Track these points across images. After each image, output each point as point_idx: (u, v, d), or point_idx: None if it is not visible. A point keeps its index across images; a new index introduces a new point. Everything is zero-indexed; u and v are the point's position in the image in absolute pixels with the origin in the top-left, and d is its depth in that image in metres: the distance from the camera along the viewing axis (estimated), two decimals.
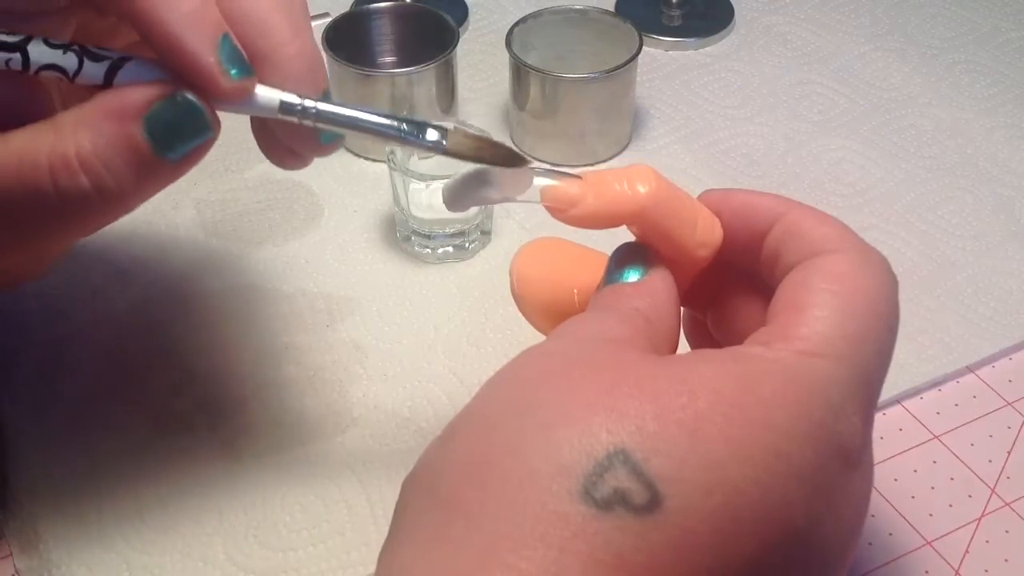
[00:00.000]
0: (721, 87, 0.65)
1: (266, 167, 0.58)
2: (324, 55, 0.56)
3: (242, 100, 0.32)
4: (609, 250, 0.35)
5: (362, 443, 0.44)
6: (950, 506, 0.43)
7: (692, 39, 0.68)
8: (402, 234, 0.53)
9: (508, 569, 0.25)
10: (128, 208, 0.32)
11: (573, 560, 0.25)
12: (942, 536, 0.41)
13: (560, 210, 0.33)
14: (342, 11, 0.61)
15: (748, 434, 0.27)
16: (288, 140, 0.35)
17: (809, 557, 0.28)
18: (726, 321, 0.37)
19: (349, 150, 0.60)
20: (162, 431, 0.44)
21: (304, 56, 0.33)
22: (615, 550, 0.25)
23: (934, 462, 0.44)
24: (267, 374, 0.47)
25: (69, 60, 0.30)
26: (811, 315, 0.30)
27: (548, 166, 0.59)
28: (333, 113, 0.33)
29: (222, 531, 0.41)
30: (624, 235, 0.35)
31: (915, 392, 0.47)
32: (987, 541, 0.41)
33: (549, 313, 0.37)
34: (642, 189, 0.32)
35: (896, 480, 0.44)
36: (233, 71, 0.31)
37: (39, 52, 0.30)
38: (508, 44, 0.58)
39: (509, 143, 0.61)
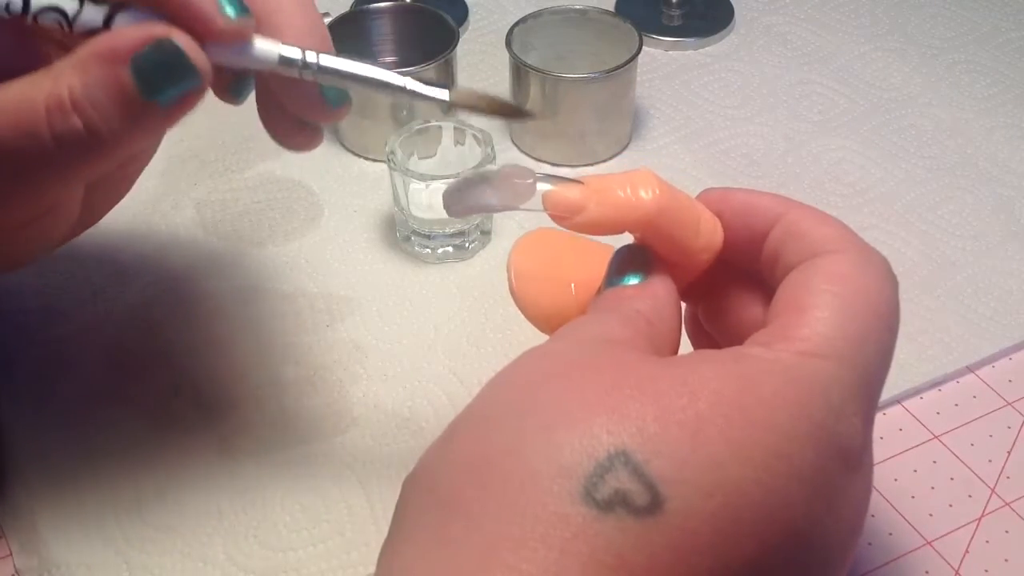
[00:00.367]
0: (721, 87, 0.65)
1: (266, 167, 0.58)
2: None
3: (239, 41, 0.31)
4: (607, 240, 0.35)
5: (362, 443, 0.44)
6: (950, 506, 0.43)
7: (692, 39, 0.68)
8: (402, 234, 0.53)
9: (508, 570, 0.25)
10: (124, 152, 0.32)
11: (574, 561, 0.25)
12: (942, 536, 0.41)
13: (563, 218, 0.33)
14: (342, 11, 0.61)
15: (749, 435, 0.27)
16: (295, 107, 0.35)
17: (809, 558, 0.28)
18: (721, 316, 0.37)
19: (349, 150, 0.60)
20: (162, 431, 0.44)
21: (306, 14, 0.33)
22: (616, 551, 0.25)
23: (934, 462, 0.44)
24: (267, 374, 0.47)
25: (70, 2, 0.31)
26: (812, 316, 0.30)
27: (549, 171, 0.59)
28: (335, 67, 0.32)
29: (222, 531, 0.41)
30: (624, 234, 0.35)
31: (915, 392, 0.47)
32: (987, 541, 0.41)
33: (546, 308, 0.37)
34: (646, 196, 0.32)
35: (896, 480, 0.44)
36: (229, 10, 0.31)
37: None
38: (508, 44, 0.58)
39: (509, 143, 0.61)
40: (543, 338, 0.33)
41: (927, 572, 0.40)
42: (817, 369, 0.29)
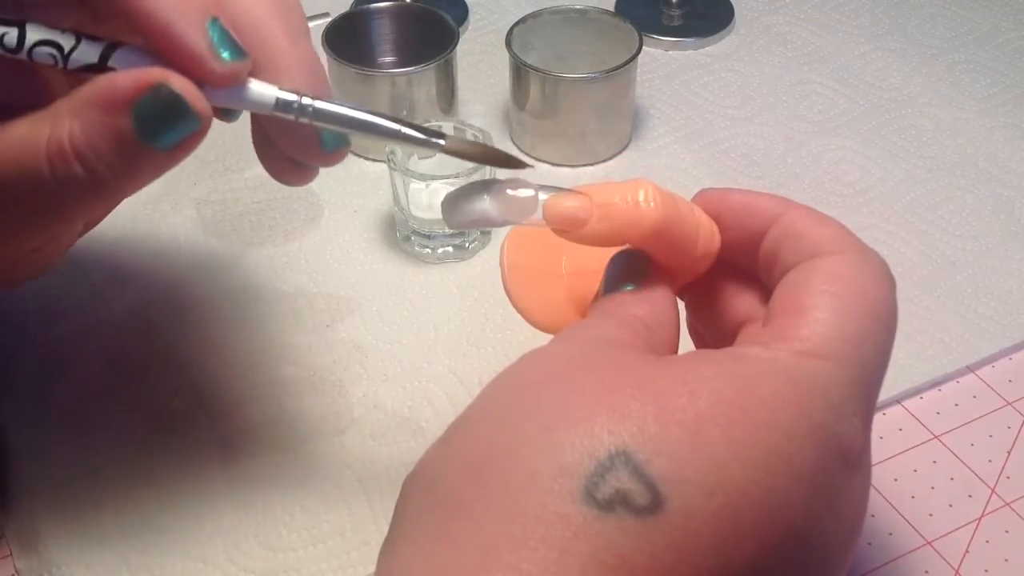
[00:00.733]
0: (721, 87, 0.65)
1: None
2: (324, 55, 0.56)
3: (235, 84, 0.31)
4: None
5: (362, 443, 0.44)
6: (950, 506, 0.43)
7: (692, 39, 0.68)
8: (402, 234, 0.53)
9: (509, 569, 0.25)
10: (126, 193, 0.32)
11: (574, 561, 0.25)
12: (942, 536, 0.41)
13: (565, 231, 0.33)
14: (342, 11, 0.61)
15: (749, 435, 0.27)
16: (290, 149, 0.35)
17: (809, 557, 0.28)
18: (710, 311, 0.36)
19: (350, 150, 0.60)
20: (162, 431, 0.44)
21: (304, 62, 0.33)
22: (616, 551, 0.25)
23: (934, 462, 0.44)
24: (267, 374, 0.47)
25: (67, 37, 0.30)
26: (811, 316, 0.30)
27: (549, 171, 0.59)
28: (331, 111, 0.32)
29: (222, 531, 0.41)
30: None
31: (915, 392, 0.47)
32: (987, 541, 0.41)
33: (538, 301, 0.37)
34: (647, 210, 0.32)
35: (896, 480, 0.44)
36: (225, 54, 0.31)
37: (37, 29, 0.30)
38: (508, 44, 0.58)
39: (509, 143, 0.61)
40: (543, 338, 0.33)
41: (927, 572, 0.40)
42: (817, 369, 0.29)
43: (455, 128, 0.53)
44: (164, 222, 0.55)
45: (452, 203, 0.33)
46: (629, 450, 0.26)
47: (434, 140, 0.33)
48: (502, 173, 0.53)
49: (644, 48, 0.60)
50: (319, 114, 0.32)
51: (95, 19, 0.32)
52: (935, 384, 0.47)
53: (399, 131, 0.33)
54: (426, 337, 0.49)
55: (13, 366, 0.47)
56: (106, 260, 0.52)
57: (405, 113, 0.57)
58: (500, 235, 0.54)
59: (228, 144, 0.59)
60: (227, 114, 0.36)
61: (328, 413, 0.45)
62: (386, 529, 0.29)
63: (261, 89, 0.32)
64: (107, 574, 0.40)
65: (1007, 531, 0.42)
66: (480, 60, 0.67)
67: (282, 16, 0.33)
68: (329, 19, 0.59)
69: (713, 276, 0.35)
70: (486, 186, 0.33)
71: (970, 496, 0.43)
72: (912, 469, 0.44)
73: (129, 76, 0.30)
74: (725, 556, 0.26)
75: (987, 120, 0.62)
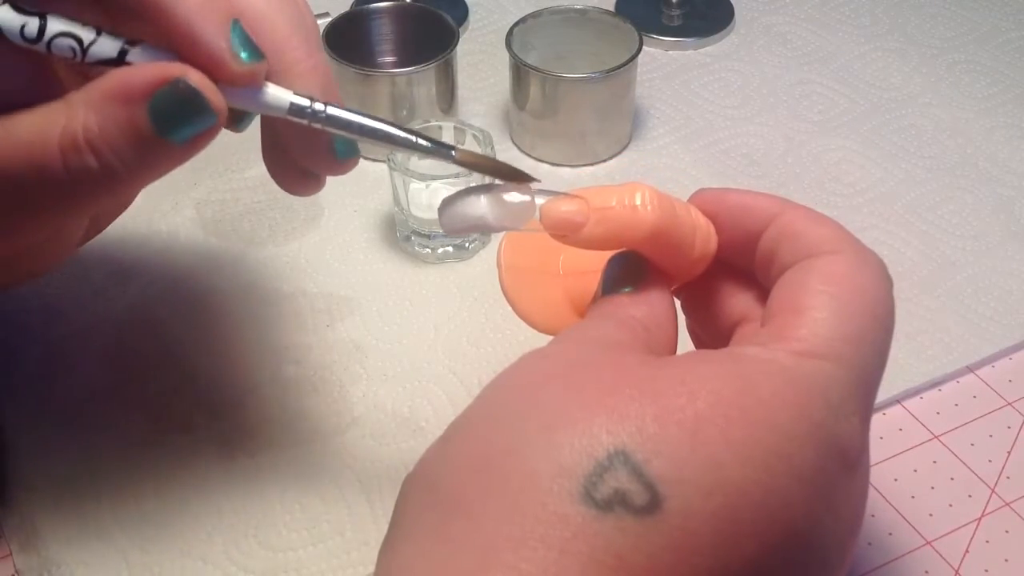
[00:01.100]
0: (721, 87, 0.65)
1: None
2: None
3: (252, 85, 0.31)
4: None
5: (362, 443, 0.44)
6: (950, 506, 0.43)
7: (692, 39, 0.68)
8: (402, 234, 0.53)
9: (508, 569, 0.25)
10: (138, 187, 0.32)
11: (573, 561, 0.25)
12: (942, 536, 0.41)
13: (562, 236, 0.33)
14: (342, 11, 0.61)
15: (749, 435, 0.27)
16: (302, 156, 0.35)
17: (809, 558, 0.28)
18: (704, 309, 0.37)
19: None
20: (162, 431, 0.44)
21: (319, 72, 0.33)
22: (615, 551, 0.25)
23: (934, 462, 0.44)
24: (267, 374, 0.47)
25: (87, 31, 0.30)
26: (809, 317, 0.30)
27: (549, 172, 0.59)
28: (343, 118, 0.32)
29: (222, 530, 0.41)
30: None
31: (915, 392, 0.47)
32: (987, 541, 0.41)
33: (535, 301, 0.37)
34: (644, 214, 0.32)
35: (896, 480, 0.44)
36: (243, 55, 0.31)
37: (57, 21, 0.30)
38: (508, 44, 0.58)
39: (509, 143, 0.61)
40: (543, 339, 0.33)
41: (927, 572, 0.40)
42: (815, 369, 0.29)
43: (455, 128, 0.53)
44: (164, 222, 0.55)
45: (448, 209, 0.33)
46: (628, 450, 0.26)
47: (445, 151, 0.34)
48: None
49: (644, 48, 0.60)
50: (331, 120, 0.32)
51: (112, 20, 0.32)
52: (935, 384, 0.47)
53: (411, 140, 0.33)
54: (426, 337, 0.49)
55: (13, 365, 0.47)
56: (107, 260, 0.52)
57: (405, 113, 0.57)
58: (499, 236, 0.54)
59: (228, 144, 0.59)
60: (236, 124, 0.37)
61: (328, 413, 0.45)
62: (386, 529, 0.29)
63: (276, 92, 0.32)
64: (107, 573, 0.40)
65: (1007, 531, 0.42)
66: (480, 60, 0.67)
67: (300, 28, 0.33)
68: (329, 19, 0.59)
69: (709, 275, 0.35)
70: (482, 191, 0.33)
71: (970, 496, 0.43)
72: (912, 469, 0.44)
73: (147, 69, 0.30)
74: (724, 556, 0.26)
75: (987, 120, 0.62)
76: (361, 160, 0.59)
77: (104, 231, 0.41)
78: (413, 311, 0.50)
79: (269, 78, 0.32)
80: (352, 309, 0.50)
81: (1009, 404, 0.47)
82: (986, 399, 0.47)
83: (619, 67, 0.56)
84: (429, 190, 0.50)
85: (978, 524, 0.42)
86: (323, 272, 0.52)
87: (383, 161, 0.57)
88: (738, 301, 0.35)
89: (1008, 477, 0.44)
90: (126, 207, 0.41)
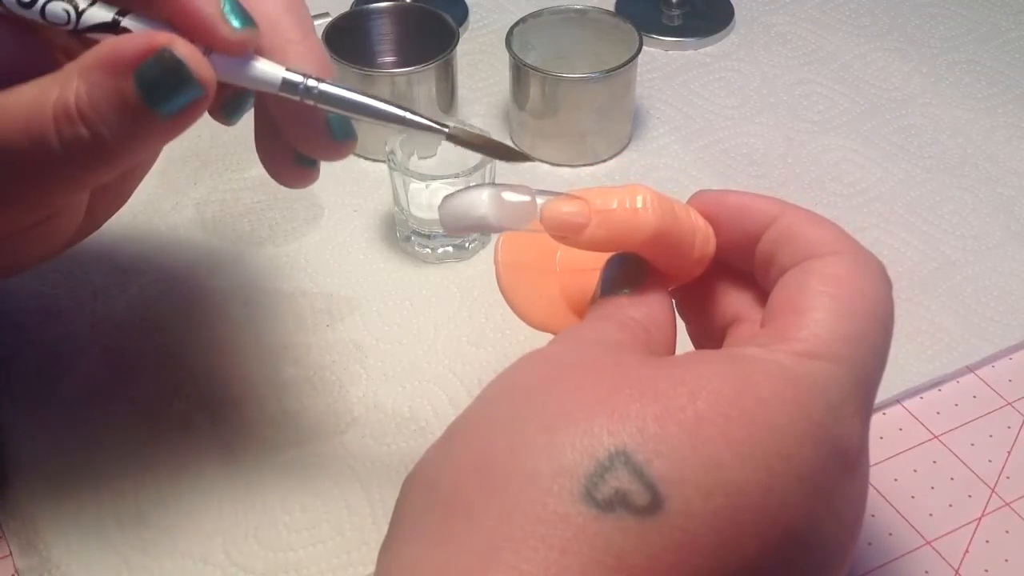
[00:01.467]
0: (721, 87, 0.65)
1: None
2: None
3: (243, 53, 0.31)
4: None
5: (362, 443, 0.44)
6: (950, 506, 0.43)
7: (692, 39, 0.68)
8: (402, 234, 0.53)
9: (509, 569, 0.25)
10: (130, 159, 0.32)
11: (574, 561, 0.25)
12: (942, 536, 0.41)
13: (563, 237, 0.33)
14: (342, 11, 0.61)
15: (749, 434, 0.27)
16: (297, 138, 0.35)
17: (809, 558, 0.28)
18: (699, 308, 0.36)
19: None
20: (162, 431, 0.44)
21: (314, 52, 0.33)
22: (616, 551, 0.25)
23: (934, 462, 0.44)
24: (267, 374, 0.47)
25: None
26: (809, 318, 0.30)
27: (549, 172, 0.59)
28: (336, 94, 0.32)
29: (222, 531, 0.41)
30: None
31: (915, 392, 0.47)
32: (987, 541, 0.41)
33: (532, 298, 0.37)
34: (645, 218, 0.32)
35: (896, 480, 0.44)
36: (235, 22, 0.31)
37: None
38: (508, 44, 0.58)
39: (509, 143, 0.61)
40: (543, 339, 0.33)
41: (927, 572, 0.40)
42: (816, 370, 0.29)
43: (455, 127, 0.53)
44: (164, 222, 0.55)
45: (449, 209, 0.33)
46: (629, 450, 0.26)
47: (437, 126, 0.33)
48: (503, 168, 0.53)
49: (644, 48, 0.60)
50: (324, 96, 0.32)
51: None
52: (935, 384, 0.47)
53: (404, 116, 0.33)
54: (426, 337, 0.49)
55: (12, 365, 0.47)
56: (106, 259, 0.52)
57: None
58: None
59: (228, 144, 0.59)
60: (228, 116, 0.36)
61: (328, 413, 0.45)
62: (386, 529, 0.29)
63: (268, 68, 0.32)
64: (107, 573, 0.40)
65: (1007, 531, 0.42)
66: (480, 60, 0.67)
67: (293, 11, 0.33)
68: (329, 19, 0.59)
69: (703, 275, 0.35)
70: (483, 191, 0.33)
71: (970, 496, 0.43)
72: (912, 469, 0.44)
73: (134, 39, 0.30)
74: (724, 557, 0.26)
75: (987, 120, 0.62)
76: (361, 160, 0.59)
77: (104, 230, 0.40)
78: (413, 311, 0.50)
79: (262, 56, 0.32)
80: (352, 309, 0.50)
81: (1009, 404, 0.47)
82: (986, 399, 0.47)
83: (619, 67, 0.56)
84: (429, 190, 0.50)
85: (978, 524, 0.42)
86: (323, 272, 0.52)
87: (383, 161, 0.57)
88: (732, 301, 0.35)
89: (1008, 477, 0.44)
90: (123, 203, 0.40)
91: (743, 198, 0.34)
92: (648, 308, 0.33)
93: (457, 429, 0.29)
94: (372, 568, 0.39)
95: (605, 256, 0.35)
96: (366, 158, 0.59)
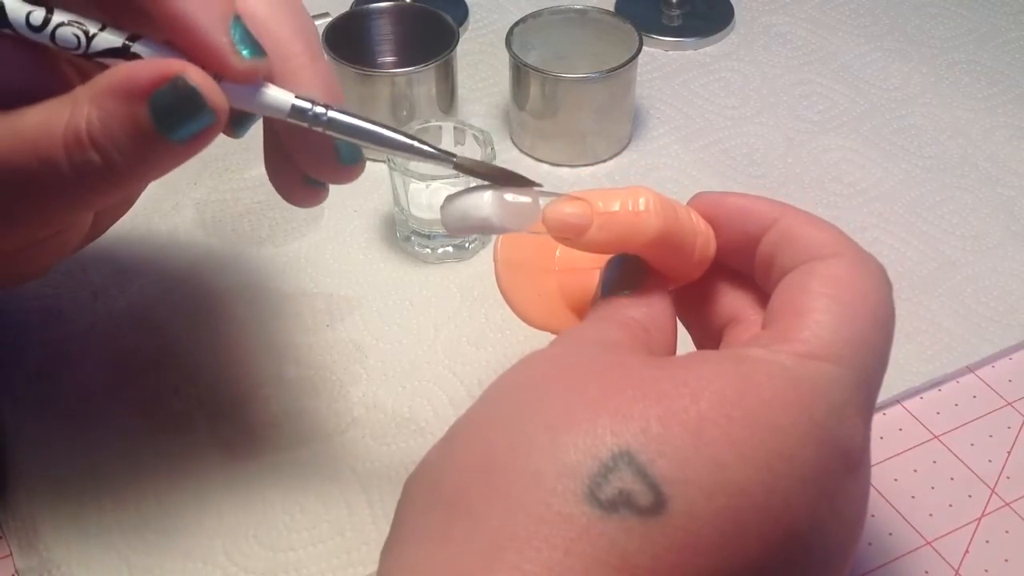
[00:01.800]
0: (721, 87, 0.65)
1: None
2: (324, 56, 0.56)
3: (253, 82, 0.32)
4: None
5: (362, 443, 0.44)
6: (950, 506, 0.43)
7: (692, 39, 0.68)
8: (402, 234, 0.53)
9: (512, 570, 0.25)
10: (141, 183, 0.32)
11: (577, 561, 0.25)
12: (942, 536, 0.41)
13: (565, 239, 0.33)
14: (342, 11, 0.61)
15: (751, 435, 0.27)
16: (306, 163, 0.35)
17: (811, 558, 0.28)
18: (696, 308, 0.36)
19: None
20: (162, 431, 0.44)
21: (323, 78, 0.33)
22: (619, 552, 0.25)
23: (934, 462, 0.44)
24: (267, 374, 0.47)
25: (92, 23, 0.31)
26: (811, 319, 0.30)
27: (549, 172, 0.59)
28: (345, 121, 0.32)
29: (222, 531, 0.41)
30: None
31: (915, 392, 0.47)
32: (987, 541, 0.41)
33: (531, 297, 0.37)
34: (648, 220, 0.32)
35: (896, 480, 0.44)
36: (245, 51, 0.31)
37: (63, 13, 0.30)
38: (508, 44, 0.58)
39: (509, 143, 0.61)
40: (544, 339, 0.33)
41: (927, 572, 0.40)
42: (818, 371, 0.29)
43: (455, 128, 0.53)
44: (164, 222, 0.55)
45: (451, 210, 0.33)
46: (632, 451, 0.26)
47: (444, 155, 0.34)
48: None
49: (644, 48, 0.60)
50: (333, 123, 0.32)
51: (113, 16, 0.32)
52: (935, 384, 0.48)
53: (411, 145, 0.33)
54: (426, 337, 0.49)
55: (13, 365, 0.47)
56: (106, 260, 0.52)
57: (405, 114, 0.57)
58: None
59: (229, 144, 0.59)
60: (235, 130, 0.37)
61: (328, 413, 0.45)
62: (386, 529, 0.29)
63: (278, 95, 0.32)
64: (107, 573, 0.40)
65: (1007, 531, 0.42)
66: (480, 60, 0.67)
67: (303, 36, 0.33)
68: (329, 19, 0.59)
69: (705, 278, 0.35)
70: (485, 192, 0.33)
71: (970, 496, 0.43)
72: (912, 469, 0.44)
73: (148, 66, 0.30)
74: (727, 557, 0.26)
75: (987, 120, 0.62)
76: None
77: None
78: (413, 311, 0.50)
79: (272, 82, 0.32)
80: (352, 309, 0.50)
81: (1009, 404, 0.47)
82: (986, 399, 0.47)
83: (619, 67, 0.56)
84: (429, 190, 0.50)
85: (978, 524, 0.42)
86: (323, 272, 0.52)
87: (383, 161, 0.57)
88: (729, 301, 0.35)
89: (1008, 477, 0.44)
90: (128, 209, 0.41)
91: (743, 200, 0.34)
92: (648, 309, 0.33)
93: (459, 429, 0.29)
94: (372, 568, 0.39)
95: (604, 255, 0.35)
96: (366, 158, 0.59)
